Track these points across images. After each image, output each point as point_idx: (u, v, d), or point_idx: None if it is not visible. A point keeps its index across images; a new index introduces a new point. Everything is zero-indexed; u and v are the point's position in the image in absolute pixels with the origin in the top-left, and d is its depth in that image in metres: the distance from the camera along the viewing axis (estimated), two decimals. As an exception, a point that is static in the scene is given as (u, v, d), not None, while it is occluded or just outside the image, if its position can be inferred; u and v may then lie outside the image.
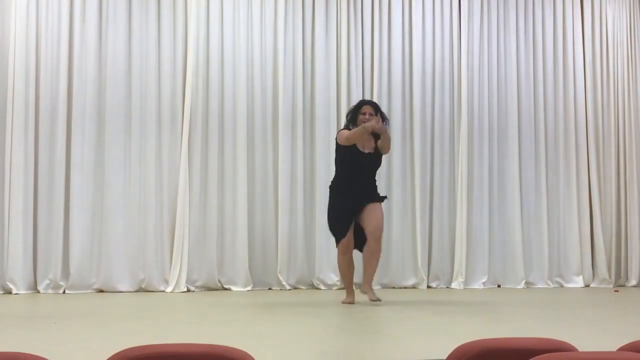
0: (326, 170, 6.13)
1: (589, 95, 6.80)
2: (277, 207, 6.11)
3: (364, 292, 4.94)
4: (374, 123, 4.73)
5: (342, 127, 5.28)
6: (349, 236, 4.92)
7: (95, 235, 5.80)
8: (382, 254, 4.90)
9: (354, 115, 5.01)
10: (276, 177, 6.15)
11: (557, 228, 6.67)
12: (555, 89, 6.78)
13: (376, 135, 4.94)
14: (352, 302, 4.92)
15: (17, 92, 5.69)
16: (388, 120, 5.16)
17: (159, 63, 6.02)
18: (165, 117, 5.99)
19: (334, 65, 6.33)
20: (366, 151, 4.97)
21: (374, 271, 4.98)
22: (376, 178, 5.06)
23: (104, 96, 5.88)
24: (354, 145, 4.89)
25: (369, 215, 4.90)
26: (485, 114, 6.59)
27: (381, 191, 5.14)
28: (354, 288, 5.08)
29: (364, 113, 4.95)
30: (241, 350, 1.57)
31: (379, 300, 4.82)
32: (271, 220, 6.14)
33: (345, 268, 5.01)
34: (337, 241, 4.95)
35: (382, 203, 5.02)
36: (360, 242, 4.98)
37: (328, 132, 6.19)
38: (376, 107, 5.07)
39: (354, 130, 4.81)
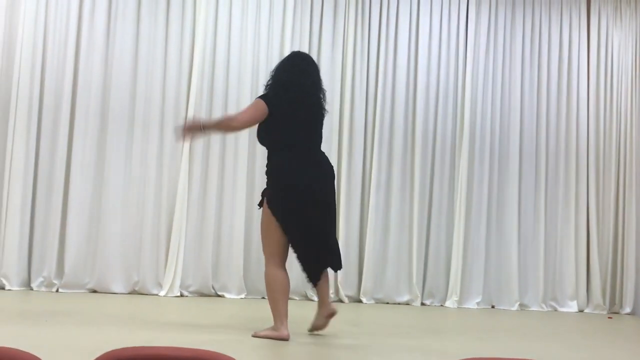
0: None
1: (592, 121, 6.81)
2: (275, 216, 6.10)
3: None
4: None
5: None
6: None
7: (91, 235, 5.79)
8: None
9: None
10: (275, 186, 6.13)
11: (553, 251, 6.65)
12: (558, 113, 6.79)
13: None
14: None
15: (22, 88, 5.70)
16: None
17: (165, 65, 6.04)
18: (168, 120, 5.99)
19: (338, 78, 6.33)
20: None
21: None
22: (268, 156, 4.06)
23: (108, 96, 5.90)
24: None
25: None
26: (487, 134, 6.60)
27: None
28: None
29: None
30: (229, 357, 1.56)
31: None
32: (268, 229, 6.12)
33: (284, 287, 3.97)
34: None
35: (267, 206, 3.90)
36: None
37: (330, 142, 6.19)
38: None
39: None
